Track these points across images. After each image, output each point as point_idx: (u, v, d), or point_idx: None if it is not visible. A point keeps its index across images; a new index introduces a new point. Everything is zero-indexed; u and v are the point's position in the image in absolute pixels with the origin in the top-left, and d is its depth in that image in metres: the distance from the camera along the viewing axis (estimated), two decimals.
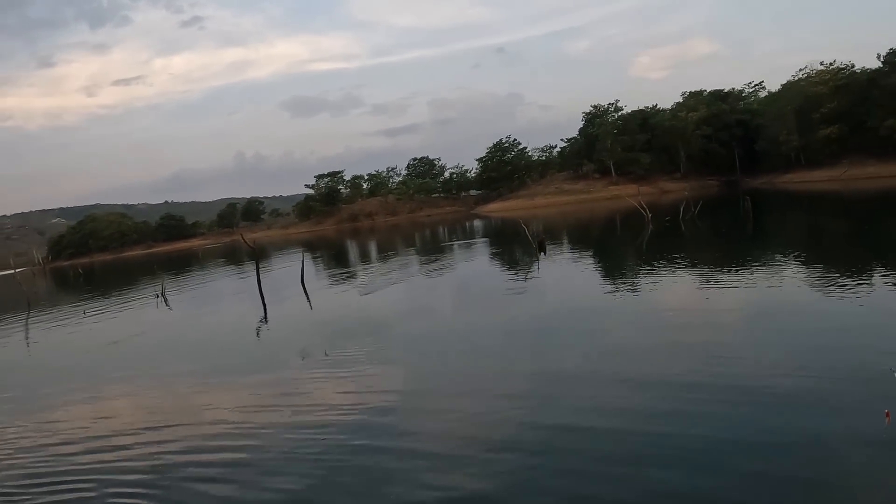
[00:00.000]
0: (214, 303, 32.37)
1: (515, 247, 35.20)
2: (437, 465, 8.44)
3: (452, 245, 50.36)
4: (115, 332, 25.06)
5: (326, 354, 15.36)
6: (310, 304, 25.75)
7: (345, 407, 11.40)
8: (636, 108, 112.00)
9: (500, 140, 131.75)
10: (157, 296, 35.09)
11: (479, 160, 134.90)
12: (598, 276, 25.51)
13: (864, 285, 16.05)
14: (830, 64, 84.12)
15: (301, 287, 29.97)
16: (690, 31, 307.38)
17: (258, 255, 33.25)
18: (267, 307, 25.75)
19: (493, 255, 38.83)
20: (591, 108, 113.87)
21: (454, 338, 16.42)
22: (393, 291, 26.71)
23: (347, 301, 25.53)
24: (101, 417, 12.87)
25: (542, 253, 31.57)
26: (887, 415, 6.98)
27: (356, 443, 9.58)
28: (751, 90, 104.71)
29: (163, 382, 15.44)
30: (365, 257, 52.12)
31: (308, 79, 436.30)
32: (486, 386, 11.61)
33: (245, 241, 38.80)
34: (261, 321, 23.19)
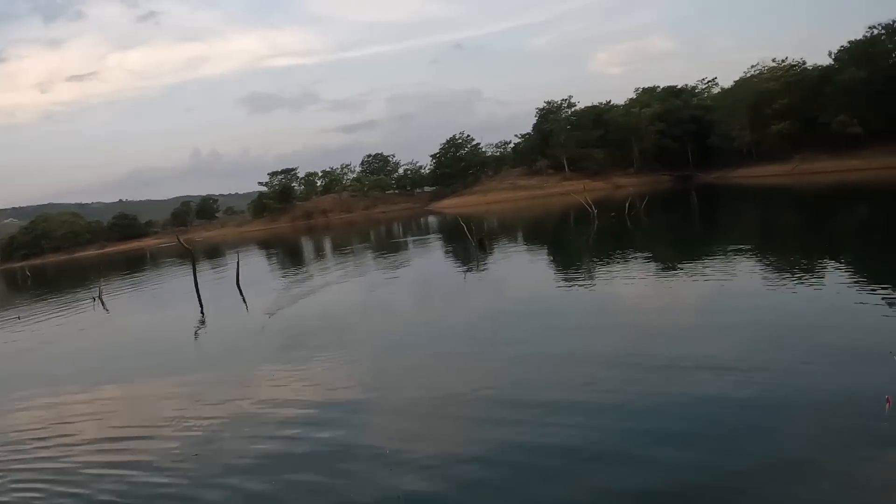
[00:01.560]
0: (155, 305, 31.34)
1: (464, 245, 34.58)
2: (390, 462, 8.16)
3: (406, 242, 50.01)
4: (32, 339, 23.94)
5: (273, 376, 13.89)
6: (246, 306, 24.83)
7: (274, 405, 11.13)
8: (591, 104, 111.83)
9: (454, 136, 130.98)
10: (95, 299, 33.29)
11: (434, 156, 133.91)
12: (542, 272, 25.04)
13: (813, 275, 16.39)
14: (783, 61, 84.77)
15: (261, 285, 29.51)
16: (648, 28, 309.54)
17: (193, 257, 31.71)
18: (205, 308, 24.73)
19: (443, 253, 38.42)
20: (545, 104, 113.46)
21: (394, 335, 16.04)
22: (343, 290, 26.11)
23: (293, 300, 24.40)
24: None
25: (484, 252, 31.11)
26: (888, 400, 6.76)
27: (309, 438, 9.31)
28: (704, 86, 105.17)
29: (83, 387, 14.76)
30: (318, 255, 51.33)
31: (265, 75, 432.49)
32: (416, 381, 11.49)
33: (181, 243, 37.64)
34: (197, 324, 22.17)
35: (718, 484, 6.68)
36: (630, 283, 18.35)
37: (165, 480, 8.32)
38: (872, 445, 6.99)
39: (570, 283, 20.29)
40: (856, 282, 14.90)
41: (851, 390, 8.36)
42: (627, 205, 42.76)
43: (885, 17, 74.21)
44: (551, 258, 29.55)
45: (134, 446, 9.97)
